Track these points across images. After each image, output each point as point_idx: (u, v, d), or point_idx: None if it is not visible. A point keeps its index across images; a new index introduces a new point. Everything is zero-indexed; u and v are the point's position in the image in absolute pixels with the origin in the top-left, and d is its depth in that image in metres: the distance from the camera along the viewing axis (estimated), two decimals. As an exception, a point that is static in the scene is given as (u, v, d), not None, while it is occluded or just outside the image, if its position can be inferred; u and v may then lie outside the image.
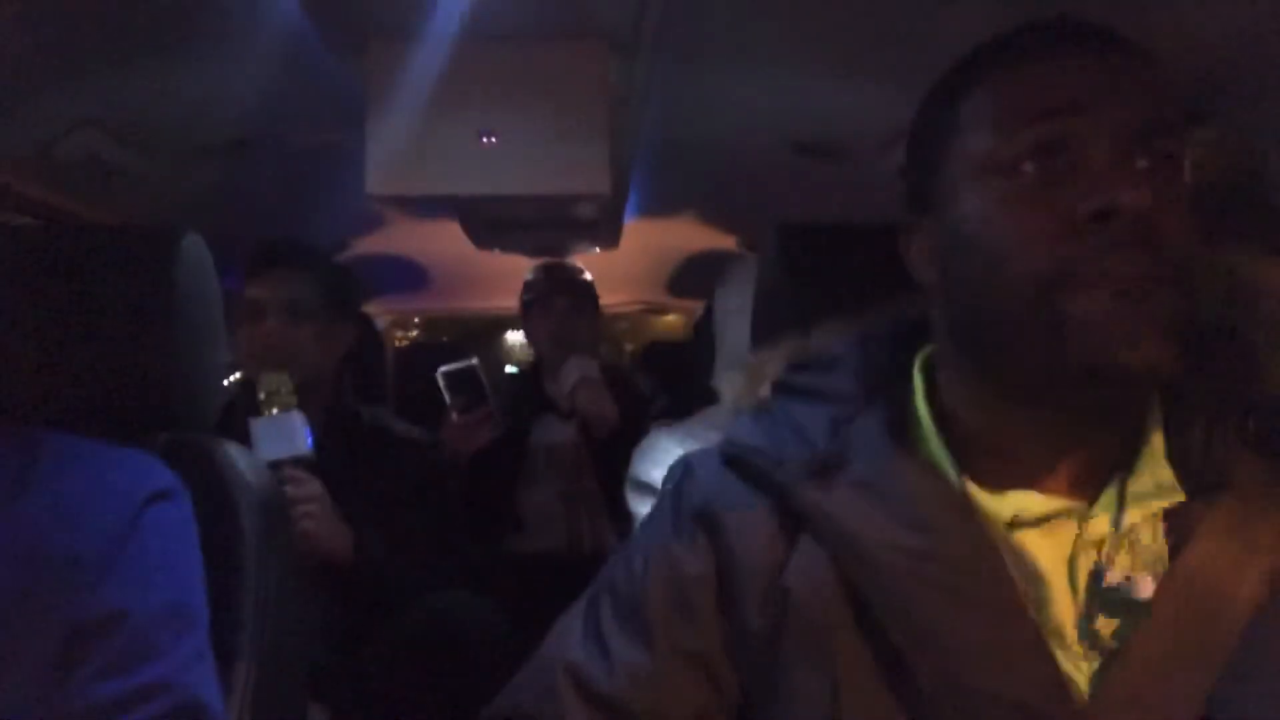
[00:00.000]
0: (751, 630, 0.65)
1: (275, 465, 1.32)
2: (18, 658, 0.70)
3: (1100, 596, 0.60)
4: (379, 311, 3.07)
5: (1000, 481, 0.64)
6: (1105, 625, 0.60)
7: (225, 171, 1.61)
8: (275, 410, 1.37)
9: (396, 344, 3.55)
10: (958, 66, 0.66)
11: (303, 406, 1.41)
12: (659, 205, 2.13)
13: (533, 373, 2.24)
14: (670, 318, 3.30)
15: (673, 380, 2.47)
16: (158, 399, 0.94)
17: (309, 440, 1.37)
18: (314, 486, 1.37)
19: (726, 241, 2.37)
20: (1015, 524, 0.63)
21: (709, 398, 1.72)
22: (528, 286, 2.18)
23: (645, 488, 1.62)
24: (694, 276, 2.73)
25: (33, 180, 1.45)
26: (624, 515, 1.72)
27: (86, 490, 0.78)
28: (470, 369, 1.85)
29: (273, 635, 0.90)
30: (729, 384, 0.86)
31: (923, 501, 0.62)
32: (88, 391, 0.92)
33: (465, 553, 1.69)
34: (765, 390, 0.78)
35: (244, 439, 1.19)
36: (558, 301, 2.12)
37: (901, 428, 0.68)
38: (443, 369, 1.84)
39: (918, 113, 0.70)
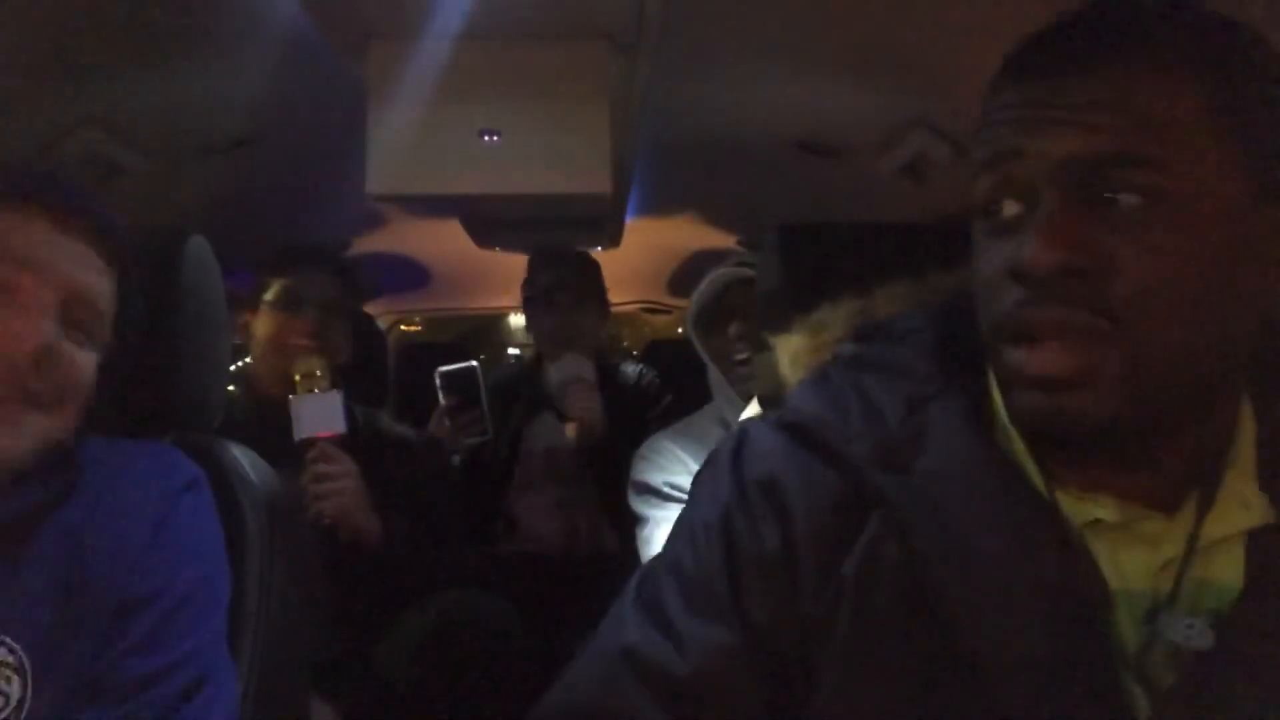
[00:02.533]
0: (806, 613, 0.61)
1: (310, 443, 1.38)
2: (81, 628, 0.75)
3: (1160, 635, 0.56)
4: (380, 311, 3.07)
5: (1077, 484, 0.59)
6: (1165, 656, 0.56)
7: (226, 171, 1.61)
8: (315, 390, 1.41)
9: (404, 330, 3.58)
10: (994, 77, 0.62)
11: None
12: (659, 204, 2.13)
13: (531, 369, 2.14)
14: (666, 317, 3.30)
15: (674, 379, 2.46)
16: (163, 399, 0.94)
17: (344, 421, 1.41)
18: (348, 464, 1.40)
19: (727, 241, 2.37)
20: (1092, 530, 0.59)
21: (708, 395, 1.72)
22: (528, 279, 2.05)
23: (647, 489, 1.62)
24: (694, 276, 2.72)
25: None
26: (625, 516, 1.72)
27: (124, 487, 0.82)
28: (469, 370, 1.85)
29: (276, 633, 0.90)
30: (784, 345, 0.80)
31: (1007, 502, 0.58)
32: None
33: (461, 553, 1.69)
34: (821, 359, 0.73)
35: (238, 430, 1.20)
36: (559, 298, 2.00)
37: (979, 417, 0.62)
38: (441, 369, 1.85)
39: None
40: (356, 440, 1.61)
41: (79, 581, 0.76)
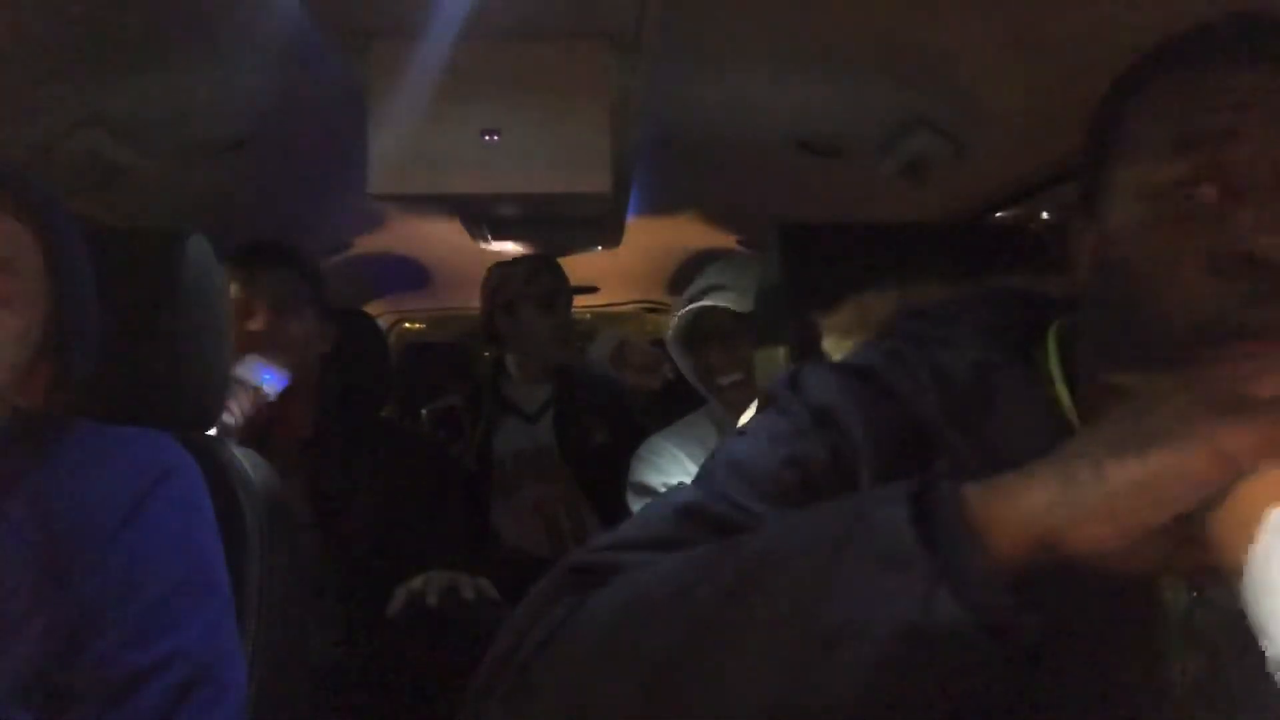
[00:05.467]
0: None
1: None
2: (29, 628, 0.72)
3: (1207, 597, 0.56)
4: (380, 311, 3.07)
5: None
6: (1212, 617, 0.56)
7: (226, 171, 1.61)
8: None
9: (406, 329, 3.59)
10: (1139, 60, 0.61)
11: (289, 407, 1.47)
12: (659, 204, 2.13)
13: (492, 376, 2.12)
14: (666, 317, 3.30)
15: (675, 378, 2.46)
16: (163, 398, 0.94)
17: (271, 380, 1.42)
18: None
19: (727, 241, 2.37)
20: None
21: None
22: (519, 281, 2.01)
23: (645, 490, 1.62)
24: (695, 276, 2.73)
25: (34, 180, 1.45)
26: (620, 516, 1.72)
27: (100, 465, 0.80)
28: (451, 408, 1.99)
29: (276, 632, 0.90)
30: (829, 323, 0.79)
31: None
32: (93, 390, 0.92)
33: (461, 549, 1.69)
34: (868, 334, 0.72)
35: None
36: (560, 299, 2.02)
37: (1041, 391, 0.63)
38: (427, 409, 1.98)
39: (1100, 101, 0.65)
40: (359, 439, 1.61)
41: (40, 566, 0.73)
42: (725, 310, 1.58)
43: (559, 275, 2.05)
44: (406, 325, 3.57)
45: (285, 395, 1.45)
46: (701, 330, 1.62)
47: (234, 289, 1.53)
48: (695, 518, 0.60)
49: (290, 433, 1.54)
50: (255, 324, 1.50)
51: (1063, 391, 0.63)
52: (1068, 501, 0.46)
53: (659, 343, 2.97)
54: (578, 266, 2.22)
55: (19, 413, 0.78)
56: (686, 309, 1.64)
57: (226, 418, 1.28)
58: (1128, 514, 0.45)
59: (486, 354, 1.91)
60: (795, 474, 0.61)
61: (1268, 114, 0.53)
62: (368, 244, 2.35)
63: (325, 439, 1.56)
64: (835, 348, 0.77)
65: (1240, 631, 0.53)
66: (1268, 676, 0.49)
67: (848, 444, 0.62)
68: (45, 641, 0.72)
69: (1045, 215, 1.46)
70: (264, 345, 1.47)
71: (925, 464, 0.60)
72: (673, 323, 1.70)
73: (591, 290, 2.23)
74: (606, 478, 1.88)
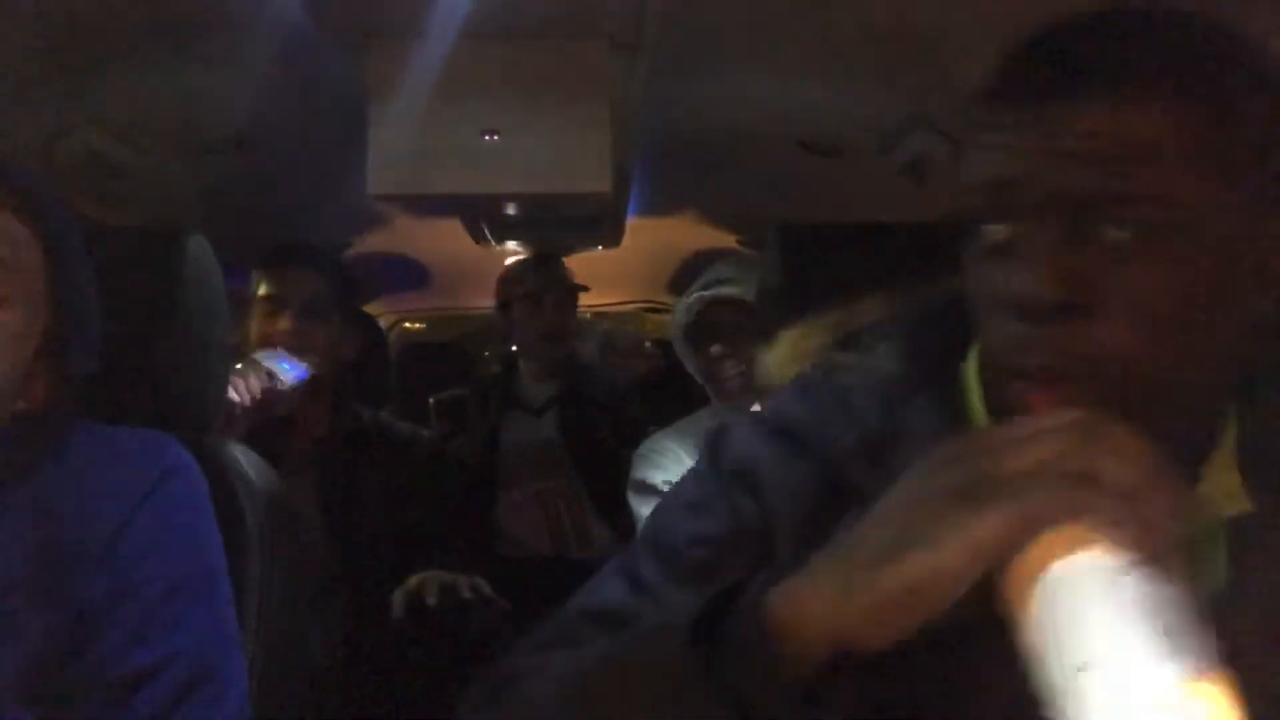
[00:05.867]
0: None
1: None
2: (27, 631, 0.72)
3: None
4: (380, 311, 3.07)
5: None
6: None
7: (226, 171, 1.61)
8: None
9: (406, 329, 3.60)
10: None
11: (307, 408, 1.47)
12: (659, 204, 2.13)
13: (505, 371, 2.22)
14: (666, 317, 3.31)
15: (676, 377, 2.47)
16: (163, 398, 0.94)
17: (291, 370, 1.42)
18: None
19: (727, 241, 2.37)
20: None
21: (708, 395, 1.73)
22: (514, 281, 2.12)
23: (647, 488, 1.62)
24: (694, 276, 2.72)
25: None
26: (624, 515, 1.73)
27: (101, 466, 0.80)
28: (459, 398, 1.99)
29: (277, 633, 0.90)
30: (767, 356, 0.82)
31: None
32: (93, 390, 0.92)
33: (462, 551, 1.70)
34: (803, 366, 0.73)
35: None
36: (549, 298, 2.08)
37: (955, 414, 0.63)
38: (434, 398, 1.95)
39: None
40: (365, 443, 1.62)
41: (39, 568, 0.73)
42: (729, 304, 1.59)
43: (550, 275, 2.10)
44: (406, 325, 3.58)
45: (304, 394, 1.46)
46: (705, 323, 1.63)
47: (263, 288, 1.54)
48: (600, 621, 0.63)
49: (306, 431, 1.55)
50: (281, 325, 1.52)
51: (982, 415, 0.62)
52: (845, 609, 0.47)
53: (660, 342, 2.97)
54: (578, 267, 2.24)
55: (19, 413, 0.78)
56: (690, 298, 1.65)
57: (232, 394, 1.28)
58: (903, 615, 0.46)
59: (487, 353, 1.92)
60: (704, 552, 0.63)
61: (1041, 158, 0.51)
62: (368, 244, 2.35)
63: (337, 438, 1.58)
64: (775, 379, 0.77)
65: None
66: None
67: (763, 507, 0.63)
68: (46, 641, 0.72)
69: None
70: (287, 348, 1.48)
71: (842, 513, 0.60)
72: (675, 319, 1.70)
73: (582, 290, 2.28)
74: (608, 473, 1.91)
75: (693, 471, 0.70)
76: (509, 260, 2.18)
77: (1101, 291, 0.50)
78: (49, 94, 1.21)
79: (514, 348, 2.23)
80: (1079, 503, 0.44)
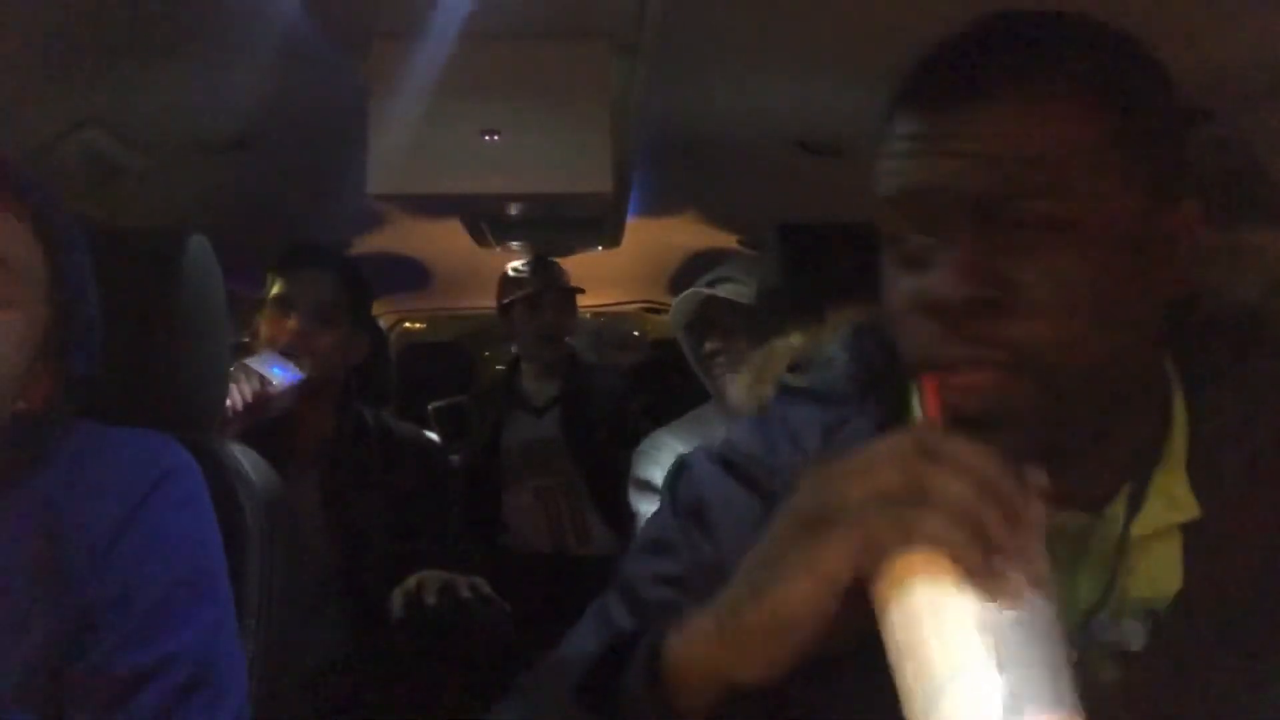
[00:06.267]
0: None
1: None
2: (27, 632, 0.72)
3: (1093, 636, 0.57)
4: (380, 311, 3.07)
5: None
6: (1104, 657, 0.57)
7: (226, 171, 1.61)
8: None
9: (407, 329, 3.61)
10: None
11: (312, 409, 1.48)
12: (659, 204, 2.13)
13: (509, 371, 2.27)
14: (666, 317, 3.32)
15: (676, 377, 2.48)
16: (163, 398, 0.94)
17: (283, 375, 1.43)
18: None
19: (727, 241, 2.37)
20: None
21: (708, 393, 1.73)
22: (513, 283, 2.18)
23: (647, 486, 1.63)
24: (694, 276, 2.73)
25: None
26: (625, 513, 1.74)
27: (101, 467, 0.80)
28: (457, 405, 2.03)
29: (276, 632, 0.90)
30: (734, 384, 0.84)
31: None
32: (93, 391, 0.92)
33: (464, 552, 1.70)
34: (769, 390, 0.74)
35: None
36: (546, 299, 2.14)
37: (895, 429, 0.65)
38: (433, 405, 1.97)
39: None
40: (368, 444, 1.62)
41: (39, 569, 0.73)
42: (727, 301, 1.60)
43: (547, 277, 2.16)
44: (406, 325, 3.59)
45: (309, 395, 1.46)
46: (704, 318, 1.64)
47: (275, 289, 1.55)
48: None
49: (311, 431, 1.56)
50: (288, 327, 1.52)
51: None
52: (719, 647, 0.48)
53: (660, 343, 2.98)
54: (578, 267, 2.25)
55: (19, 413, 0.78)
56: (686, 295, 1.66)
57: (226, 400, 1.28)
58: (771, 648, 0.47)
59: (487, 353, 1.94)
60: (667, 592, 0.64)
61: (950, 161, 0.52)
62: (368, 244, 2.35)
63: (342, 438, 1.58)
64: (744, 403, 0.77)
65: (1126, 666, 0.56)
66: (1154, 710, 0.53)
67: (715, 545, 0.64)
68: (46, 642, 0.72)
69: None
70: (294, 351, 1.49)
71: None
72: (672, 314, 1.71)
73: (579, 292, 2.32)
74: (608, 472, 1.95)
75: (656, 511, 0.71)
76: (510, 264, 2.23)
77: (1014, 286, 0.51)
78: (49, 94, 1.21)
79: (515, 349, 2.28)
80: (909, 524, 0.44)
